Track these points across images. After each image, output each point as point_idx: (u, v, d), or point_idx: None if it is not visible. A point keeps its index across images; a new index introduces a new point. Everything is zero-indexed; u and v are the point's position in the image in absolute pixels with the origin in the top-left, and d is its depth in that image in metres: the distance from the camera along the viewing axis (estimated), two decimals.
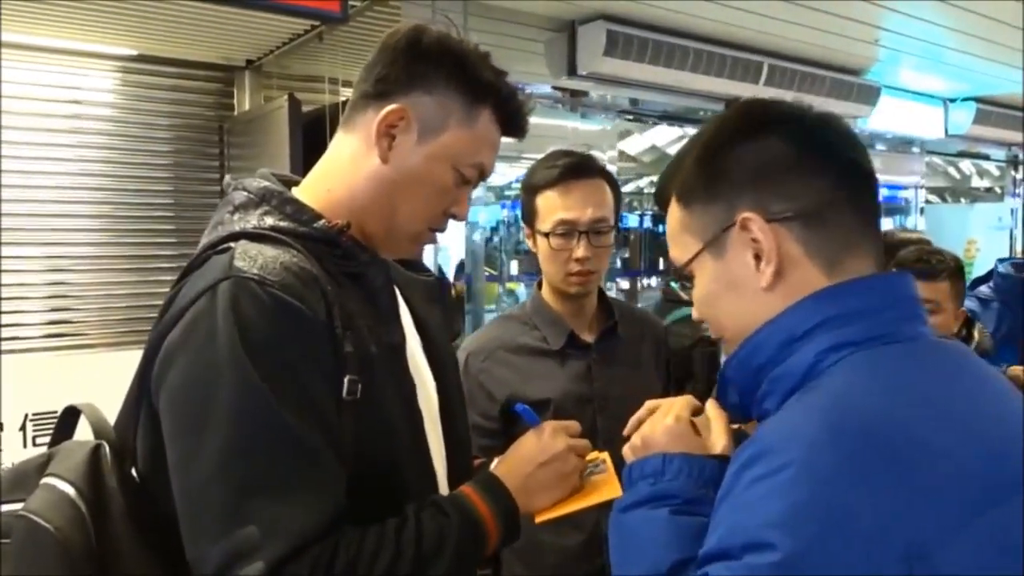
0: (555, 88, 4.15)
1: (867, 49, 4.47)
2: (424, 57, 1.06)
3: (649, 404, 1.03)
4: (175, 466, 0.89)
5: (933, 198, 8.18)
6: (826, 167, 0.83)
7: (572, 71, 3.80)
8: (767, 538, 0.67)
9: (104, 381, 2.04)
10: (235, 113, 4.09)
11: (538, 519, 1.13)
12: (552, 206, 1.62)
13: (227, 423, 0.86)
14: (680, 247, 0.90)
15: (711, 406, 0.96)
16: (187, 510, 0.87)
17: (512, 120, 1.12)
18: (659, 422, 0.97)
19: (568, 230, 1.61)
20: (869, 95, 4.95)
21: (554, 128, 4.17)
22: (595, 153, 2.99)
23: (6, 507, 0.88)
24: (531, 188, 1.66)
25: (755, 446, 0.72)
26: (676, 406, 0.98)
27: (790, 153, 0.83)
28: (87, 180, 3.82)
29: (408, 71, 1.05)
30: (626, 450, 0.99)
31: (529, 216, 1.67)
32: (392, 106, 1.04)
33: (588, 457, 1.23)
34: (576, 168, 1.64)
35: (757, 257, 0.82)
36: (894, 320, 0.80)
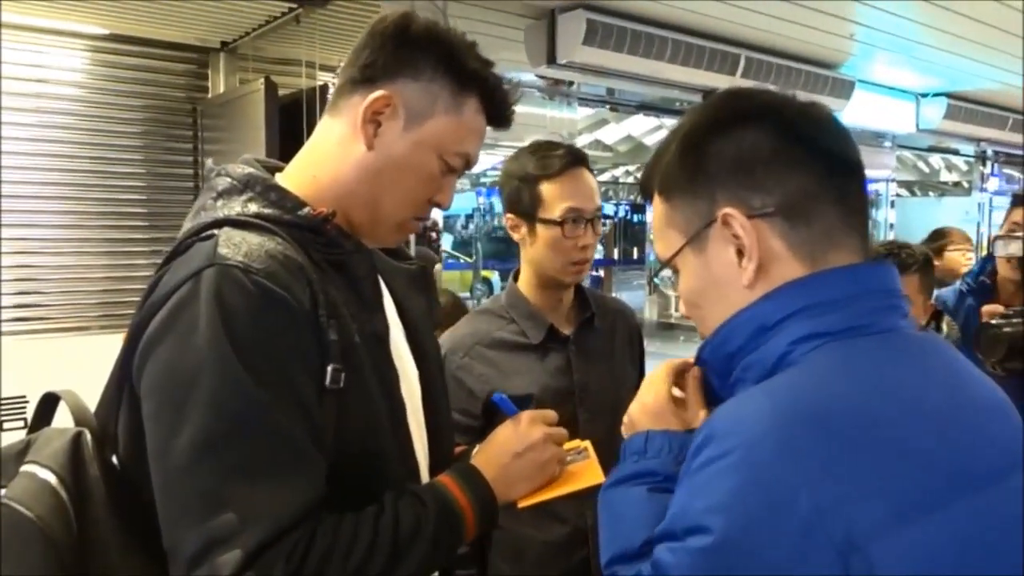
0: (540, 77, 4.12)
1: (842, 43, 4.51)
2: (412, 44, 1.05)
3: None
4: (154, 453, 0.88)
5: (903, 192, 8.30)
6: (808, 159, 0.81)
7: (551, 59, 3.79)
8: (705, 522, 0.68)
9: (73, 365, 2.00)
10: (209, 96, 4.04)
11: (520, 504, 1.14)
12: (560, 194, 1.61)
13: (207, 410, 0.85)
14: (663, 242, 0.88)
15: (690, 381, 0.96)
16: (165, 496, 0.87)
17: (498, 110, 1.12)
18: (641, 400, 0.97)
19: (577, 217, 1.61)
20: (844, 89, 4.99)
21: (530, 116, 4.15)
22: (570, 142, 2.99)
23: None
24: (531, 178, 1.64)
25: (706, 430, 0.73)
26: (656, 383, 0.98)
27: (771, 146, 0.80)
28: (55, 161, 3.75)
29: (395, 57, 1.04)
30: (622, 428, 0.99)
31: (529, 205, 1.64)
32: (379, 92, 1.03)
33: (568, 445, 1.24)
34: (578, 158, 1.65)
35: (739, 253, 0.81)
36: (871, 311, 0.79)
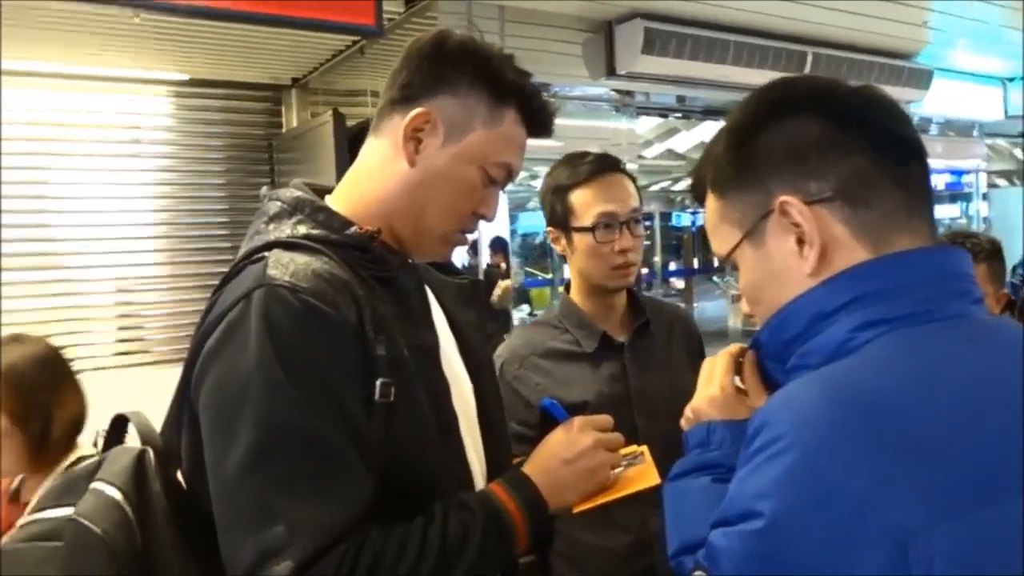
0: (615, 91, 4.12)
1: (916, 32, 4.35)
2: (448, 60, 1.07)
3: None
4: (210, 467, 0.91)
5: (1002, 182, 7.87)
6: (862, 142, 0.77)
7: (611, 71, 3.80)
8: (756, 507, 0.67)
9: (171, 395, 2.10)
10: (283, 130, 4.22)
11: (575, 509, 1.13)
12: (590, 201, 1.62)
13: (255, 425, 0.88)
14: (720, 239, 0.86)
15: (747, 366, 0.93)
16: (220, 510, 0.90)
17: (537, 119, 1.12)
18: (704, 391, 0.95)
19: (610, 221, 1.60)
20: (921, 79, 4.81)
21: (593, 130, 4.15)
22: (644, 153, 2.95)
23: (58, 512, 0.92)
24: (561, 188, 1.65)
25: (759, 417, 0.71)
26: (718, 372, 0.96)
27: (823, 129, 0.78)
28: (148, 203, 3.99)
29: (432, 75, 1.06)
30: (682, 422, 0.98)
31: (562, 216, 1.65)
32: (417, 110, 1.05)
33: (625, 451, 1.23)
34: (607, 163, 1.65)
35: (800, 242, 0.78)
36: (937, 297, 0.75)
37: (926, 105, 5.06)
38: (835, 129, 0.78)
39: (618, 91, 4.25)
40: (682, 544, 0.85)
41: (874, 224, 0.77)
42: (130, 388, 3.48)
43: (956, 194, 6.88)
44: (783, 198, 0.78)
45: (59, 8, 2.84)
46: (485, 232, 4.07)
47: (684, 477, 0.90)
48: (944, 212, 6.92)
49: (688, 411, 0.97)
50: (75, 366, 3.30)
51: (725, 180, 0.85)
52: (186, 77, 3.96)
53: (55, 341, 3.70)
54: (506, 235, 4.47)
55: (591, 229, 1.61)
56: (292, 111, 4.20)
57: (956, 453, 0.66)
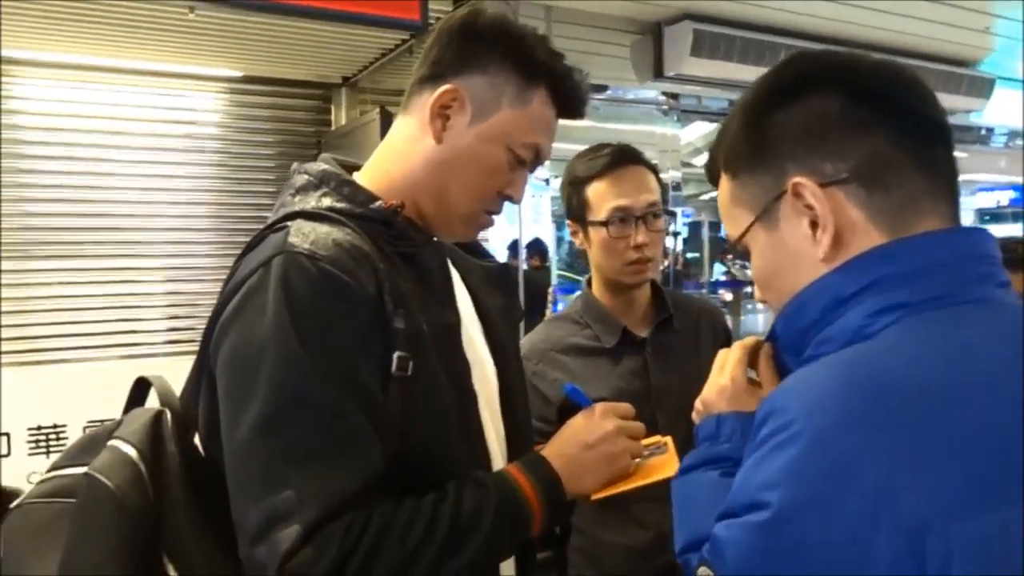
0: (666, 95, 4.09)
1: (978, 38, 4.23)
2: (478, 38, 1.07)
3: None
4: (224, 431, 0.93)
5: None
6: (883, 120, 0.74)
7: (658, 73, 3.77)
8: (762, 497, 0.64)
9: None
10: (332, 128, 4.28)
11: (593, 496, 1.12)
12: (605, 194, 1.60)
13: (268, 390, 0.89)
14: (732, 222, 0.84)
15: (762, 358, 0.91)
16: (232, 473, 0.92)
17: (568, 100, 1.10)
18: (714, 382, 0.93)
19: (625, 216, 1.58)
20: (982, 87, 4.67)
21: (643, 134, 4.13)
22: (694, 160, 2.91)
23: (75, 469, 0.94)
24: (578, 181, 1.63)
25: (767, 404, 0.68)
26: (730, 363, 0.93)
27: (841, 108, 0.75)
28: (200, 195, 4.09)
29: (462, 52, 1.06)
30: (693, 415, 0.96)
31: (579, 209, 1.64)
32: (445, 87, 1.05)
33: (648, 441, 1.22)
34: (624, 156, 1.62)
35: (814, 225, 0.75)
36: (958, 280, 0.71)
37: (987, 115, 4.91)
38: (855, 107, 0.75)
39: (667, 94, 4.22)
40: (688, 540, 0.83)
41: (893, 208, 0.74)
42: (179, 375, 3.59)
43: (1019, 212, 6.64)
44: (796, 179, 0.75)
45: (118, 5, 2.94)
46: (525, 234, 4.07)
47: (692, 471, 0.88)
48: (1005, 231, 6.69)
49: (698, 403, 0.95)
50: (127, 351, 3.37)
51: (738, 160, 0.82)
52: (240, 74, 4.05)
53: (110, 328, 3.84)
54: (551, 240, 4.46)
55: (605, 223, 1.59)
56: (341, 109, 4.27)
57: (980, 444, 0.62)
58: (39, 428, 3.22)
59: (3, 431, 3.16)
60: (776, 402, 0.68)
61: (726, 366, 0.94)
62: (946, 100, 4.55)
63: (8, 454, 3.19)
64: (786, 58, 0.83)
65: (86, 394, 3.27)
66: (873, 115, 0.75)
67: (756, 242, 0.82)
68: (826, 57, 0.81)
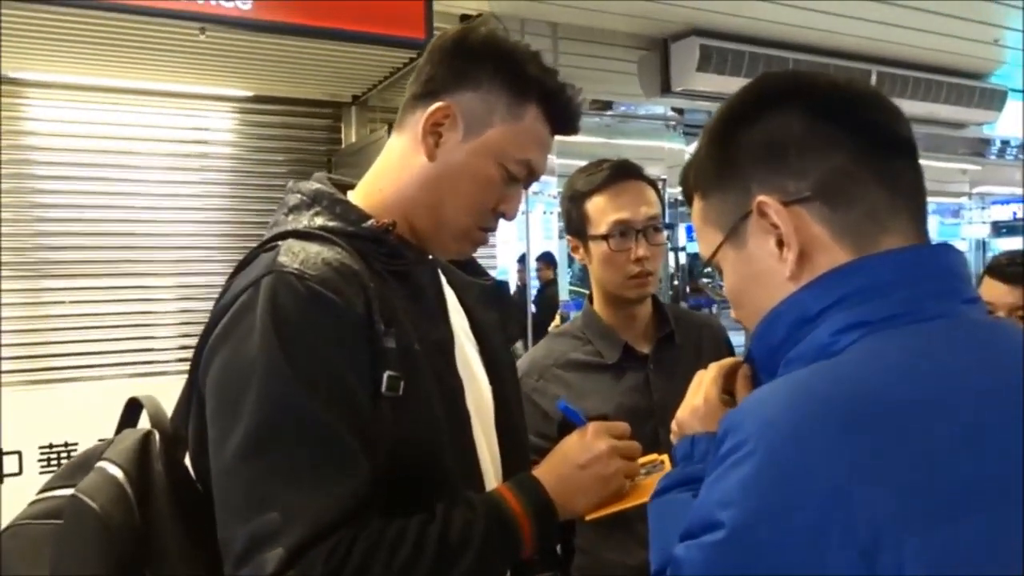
0: (674, 110, 4.09)
1: (988, 50, 4.21)
2: (469, 55, 1.07)
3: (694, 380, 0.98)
4: (211, 451, 0.93)
5: None
6: (843, 137, 0.75)
7: (666, 89, 3.78)
8: (718, 516, 0.64)
9: None
10: (342, 146, 4.31)
11: (587, 517, 1.11)
12: (605, 209, 1.60)
13: (256, 410, 0.89)
14: (703, 241, 0.85)
15: (740, 380, 0.91)
16: (218, 494, 0.91)
17: (560, 116, 1.10)
18: (688, 402, 0.94)
19: (625, 229, 1.58)
20: (994, 100, 4.64)
21: (651, 149, 4.12)
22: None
23: (65, 491, 0.94)
24: (577, 196, 1.64)
25: (726, 421, 0.68)
26: (704, 384, 0.94)
27: (802, 126, 0.75)
28: (212, 214, 4.12)
29: (454, 69, 1.07)
30: (671, 436, 0.97)
31: (578, 224, 1.64)
32: (437, 104, 1.05)
33: (644, 460, 1.21)
34: (623, 170, 1.62)
35: (780, 243, 0.75)
36: (922, 296, 0.71)
37: (1000, 127, 4.87)
38: (815, 125, 0.76)
39: (675, 109, 4.22)
40: (661, 564, 0.82)
41: (856, 224, 0.74)
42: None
43: None
44: (760, 198, 0.76)
45: (130, 26, 2.98)
46: (534, 247, 4.07)
47: (667, 493, 0.87)
48: (1019, 244, 6.61)
49: (674, 424, 0.95)
50: (140, 369, 3.37)
51: (706, 180, 0.83)
52: (250, 94, 4.09)
53: (122, 346, 3.87)
54: (562, 257, 4.45)
55: (605, 237, 1.59)
56: (351, 127, 4.30)
57: (936, 458, 0.61)
58: (51, 446, 3.23)
59: (13, 450, 3.17)
60: (734, 420, 0.68)
61: (701, 386, 0.94)
62: (958, 113, 4.55)
63: (20, 472, 3.20)
64: (751, 80, 0.84)
65: (98, 412, 3.24)
66: (833, 132, 0.75)
67: (726, 261, 0.82)
68: (785, 76, 0.82)
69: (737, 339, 1.80)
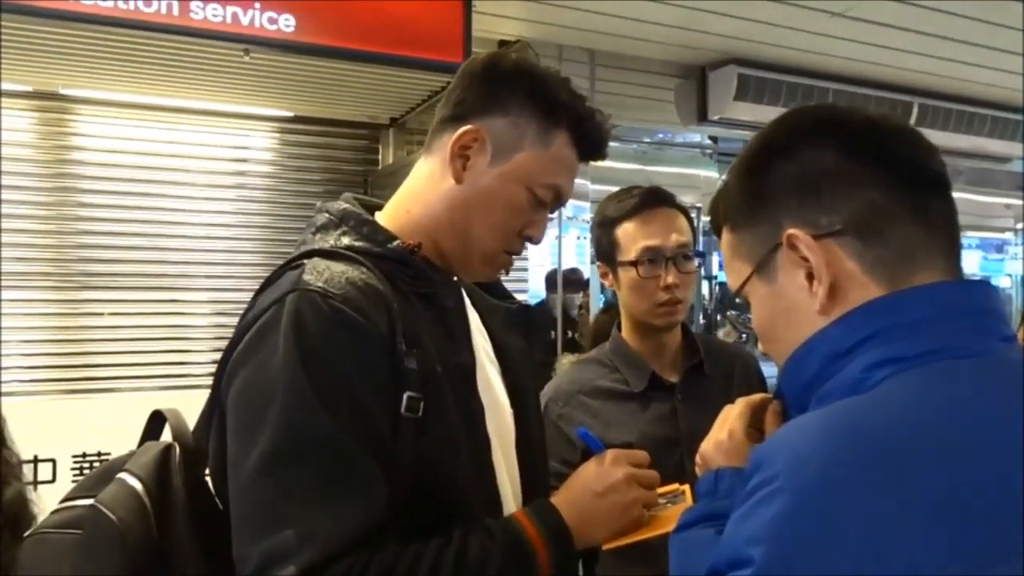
0: (711, 138, 4.08)
1: (1016, 81, 4.13)
2: (500, 80, 1.08)
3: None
4: (230, 467, 0.94)
5: None
6: (878, 173, 0.75)
7: (703, 117, 3.77)
8: (747, 554, 0.62)
9: None
10: (379, 167, 4.36)
11: (605, 547, 1.10)
12: (635, 235, 1.60)
13: (274, 429, 0.90)
14: (733, 273, 0.85)
15: (769, 416, 0.91)
16: (235, 510, 0.92)
17: (589, 143, 1.11)
18: (713, 436, 0.93)
19: (655, 256, 1.58)
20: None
21: (688, 177, 4.10)
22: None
23: (86, 501, 0.95)
24: (608, 222, 1.64)
25: (756, 456, 0.67)
26: (731, 419, 0.93)
27: (835, 160, 0.76)
28: (250, 231, 4.19)
29: (484, 94, 1.08)
30: (696, 468, 0.96)
31: (608, 250, 1.64)
32: (466, 127, 1.07)
33: (664, 489, 1.19)
34: (654, 197, 1.63)
35: (810, 277, 0.75)
36: (957, 332, 0.71)
37: None
38: (849, 160, 0.75)
39: (711, 138, 4.21)
40: None
41: (889, 260, 0.73)
42: None
43: None
44: (791, 231, 0.75)
45: (178, 47, 3.06)
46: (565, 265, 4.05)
47: (689, 528, 0.86)
48: None
49: (698, 457, 0.94)
50: (174, 383, 3.41)
51: (736, 212, 0.83)
52: (291, 114, 4.16)
53: (158, 359, 3.93)
54: (594, 280, 4.43)
55: (635, 263, 1.58)
56: (389, 149, 4.36)
57: (971, 501, 0.59)
58: (84, 455, 3.28)
59: (48, 457, 3.23)
60: (763, 454, 0.67)
61: (727, 421, 0.94)
62: (998, 146, 4.46)
63: (54, 480, 3.26)
64: (784, 113, 0.85)
65: (131, 424, 3.29)
66: (866, 167, 0.75)
67: (755, 294, 0.82)
68: (819, 110, 0.83)
69: (770, 370, 1.77)
